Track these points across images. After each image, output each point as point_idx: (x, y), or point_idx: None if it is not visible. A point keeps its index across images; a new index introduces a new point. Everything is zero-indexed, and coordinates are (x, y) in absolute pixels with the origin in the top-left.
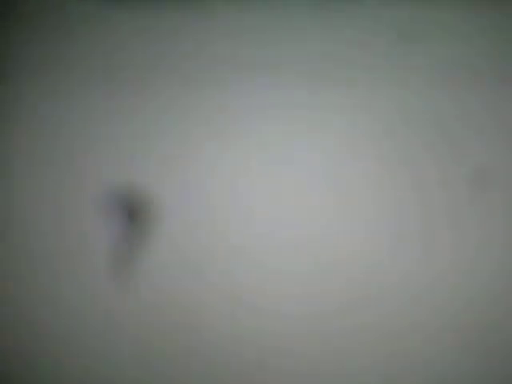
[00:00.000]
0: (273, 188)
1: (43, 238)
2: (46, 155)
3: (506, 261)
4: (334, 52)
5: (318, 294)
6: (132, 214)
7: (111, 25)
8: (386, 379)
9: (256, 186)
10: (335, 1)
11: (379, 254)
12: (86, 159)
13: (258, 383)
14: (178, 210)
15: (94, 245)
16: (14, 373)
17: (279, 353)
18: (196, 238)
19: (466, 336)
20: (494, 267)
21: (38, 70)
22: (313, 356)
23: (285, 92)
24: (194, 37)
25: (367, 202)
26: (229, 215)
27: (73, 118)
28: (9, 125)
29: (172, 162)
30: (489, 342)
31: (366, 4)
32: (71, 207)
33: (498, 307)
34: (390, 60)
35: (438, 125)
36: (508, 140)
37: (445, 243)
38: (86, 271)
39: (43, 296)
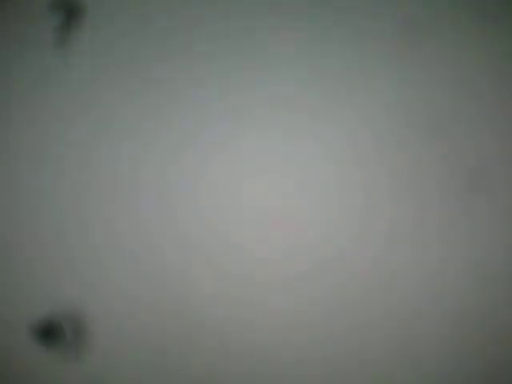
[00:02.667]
0: (269, 188)
1: None
2: None
3: (503, 262)
4: (335, 51)
5: (318, 293)
6: None
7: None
8: (384, 379)
9: (251, 187)
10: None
11: (374, 256)
12: None
13: None
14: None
15: None
16: None
17: (274, 362)
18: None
19: (465, 336)
20: (492, 268)
21: None
22: (312, 359)
23: (283, 91)
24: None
25: (363, 202)
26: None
27: None
28: None
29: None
30: (488, 341)
31: (365, 1)
32: None
33: (498, 307)
34: (389, 59)
35: (437, 125)
36: (506, 141)
37: (441, 245)
38: None
39: None
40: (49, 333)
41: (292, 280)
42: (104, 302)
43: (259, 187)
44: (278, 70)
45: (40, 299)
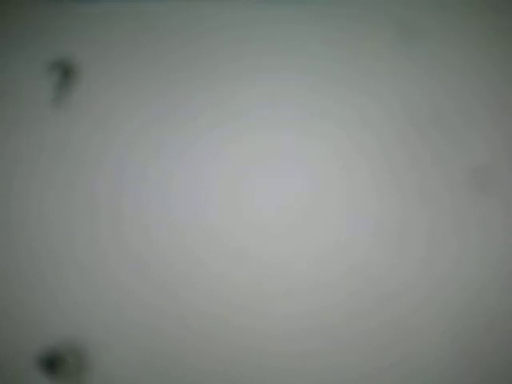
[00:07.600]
0: (274, 188)
1: None
2: None
3: (508, 260)
4: (337, 50)
5: (324, 292)
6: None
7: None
8: None
9: (257, 186)
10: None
11: (382, 255)
12: None
13: None
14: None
15: None
16: None
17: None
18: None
19: (467, 338)
20: (497, 267)
21: None
22: (321, 367)
23: (286, 92)
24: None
25: (369, 202)
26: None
27: None
28: None
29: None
30: (489, 342)
31: (366, 1)
32: None
33: (500, 308)
34: (392, 58)
35: (440, 124)
36: (510, 139)
37: (448, 243)
38: None
39: None
40: (53, 364)
41: (305, 288)
42: (106, 336)
43: (266, 191)
44: (281, 73)
45: (46, 331)
